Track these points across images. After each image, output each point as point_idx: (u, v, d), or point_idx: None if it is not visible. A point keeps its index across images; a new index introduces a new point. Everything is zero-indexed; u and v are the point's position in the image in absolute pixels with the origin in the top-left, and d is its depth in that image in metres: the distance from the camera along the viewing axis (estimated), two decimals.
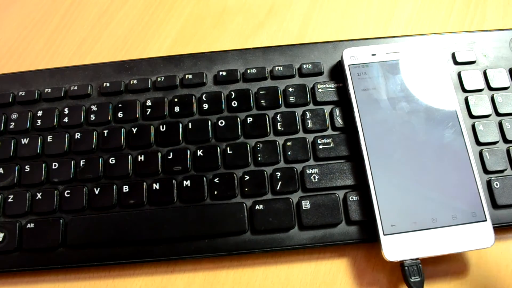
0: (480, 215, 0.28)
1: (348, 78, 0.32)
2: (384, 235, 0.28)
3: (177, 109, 0.33)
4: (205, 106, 0.33)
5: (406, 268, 0.28)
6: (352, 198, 0.30)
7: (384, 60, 0.33)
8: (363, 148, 0.30)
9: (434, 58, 0.33)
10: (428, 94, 0.32)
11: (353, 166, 0.31)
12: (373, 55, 0.33)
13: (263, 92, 0.33)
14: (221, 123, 0.32)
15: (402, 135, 0.30)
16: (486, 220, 0.28)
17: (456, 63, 0.34)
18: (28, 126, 0.33)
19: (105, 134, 0.33)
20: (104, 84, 0.34)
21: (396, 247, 0.28)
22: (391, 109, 0.31)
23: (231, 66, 0.35)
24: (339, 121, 0.32)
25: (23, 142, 0.33)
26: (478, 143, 0.31)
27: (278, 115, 0.33)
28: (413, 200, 0.29)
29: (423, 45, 0.33)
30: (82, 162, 0.32)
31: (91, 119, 0.33)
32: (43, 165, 0.32)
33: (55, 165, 0.32)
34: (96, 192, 0.31)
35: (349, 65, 0.32)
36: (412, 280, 0.27)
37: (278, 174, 0.31)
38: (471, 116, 0.32)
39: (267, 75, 0.34)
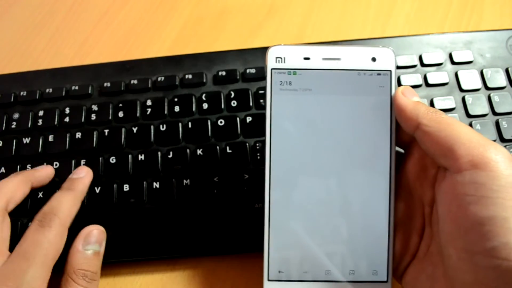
0: (381, 274, 0.25)
1: (267, 86, 0.25)
2: (269, 280, 0.24)
3: (177, 108, 0.34)
4: (205, 105, 0.33)
5: None
6: None
7: (318, 67, 0.25)
8: (266, 179, 0.25)
9: (382, 74, 0.25)
10: (364, 132, 0.25)
11: None
12: (305, 58, 0.25)
13: (263, 91, 0.34)
14: (221, 122, 0.33)
15: (315, 176, 0.25)
16: (387, 281, 0.24)
17: (453, 63, 0.34)
18: (29, 126, 0.34)
19: (106, 134, 0.33)
20: (105, 84, 0.35)
21: None
22: (311, 143, 0.25)
23: (230, 66, 0.35)
24: None
25: (24, 142, 0.33)
26: None
27: None
28: (310, 247, 0.25)
29: (372, 53, 0.25)
30: (83, 162, 0.32)
31: (92, 118, 0.34)
32: (45, 164, 0.32)
33: (56, 164, 0.32)
34: (97, 191, 0.31)
35: (272, 68, 0.25)
36: None
37: None
38: (468, 115, 0.32)
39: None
